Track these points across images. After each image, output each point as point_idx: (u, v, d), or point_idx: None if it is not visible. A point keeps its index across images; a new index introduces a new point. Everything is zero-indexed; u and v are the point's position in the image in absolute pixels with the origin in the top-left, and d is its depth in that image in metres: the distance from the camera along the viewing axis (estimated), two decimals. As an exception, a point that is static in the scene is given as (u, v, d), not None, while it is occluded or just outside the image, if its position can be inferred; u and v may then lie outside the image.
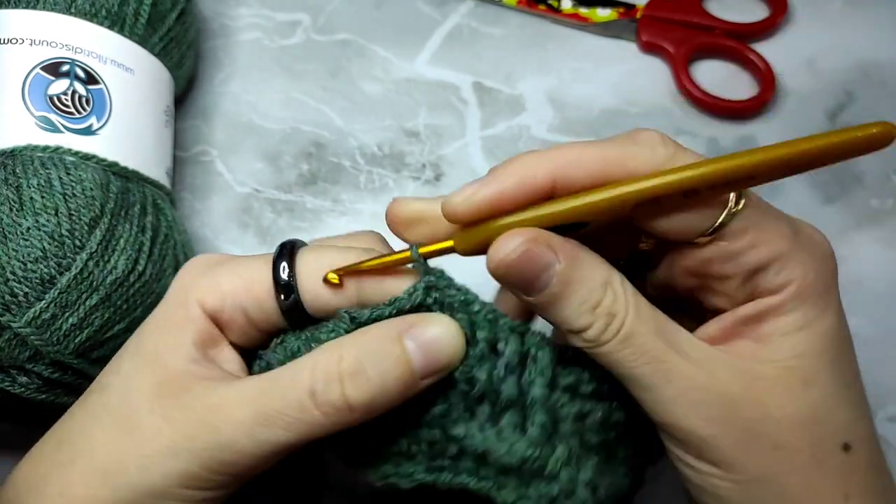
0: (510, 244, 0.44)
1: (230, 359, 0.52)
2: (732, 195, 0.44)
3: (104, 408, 0.49)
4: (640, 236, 0.52)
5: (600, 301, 0.45)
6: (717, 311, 0.49)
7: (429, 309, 0.48)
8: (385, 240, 0.53)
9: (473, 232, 0.46)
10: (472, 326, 0.48)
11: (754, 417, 0.45)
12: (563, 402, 0.49)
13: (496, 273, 0.45)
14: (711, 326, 0.49)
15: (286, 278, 0.49)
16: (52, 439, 0.50)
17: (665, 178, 0.42)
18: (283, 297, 0.49)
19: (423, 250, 0.48)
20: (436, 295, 0.48)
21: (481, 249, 0.46)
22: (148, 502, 0.46)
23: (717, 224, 0.45)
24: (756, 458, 0.45)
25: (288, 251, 0.50)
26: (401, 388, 0.46)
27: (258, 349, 0.53)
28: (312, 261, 0.50)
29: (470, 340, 0.47)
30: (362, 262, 0.48)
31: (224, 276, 0.50)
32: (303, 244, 0.52)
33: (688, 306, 0.51)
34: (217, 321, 0.50)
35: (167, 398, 0.47)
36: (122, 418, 0.47)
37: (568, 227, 0.45)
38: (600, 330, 0.45)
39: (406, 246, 0.49)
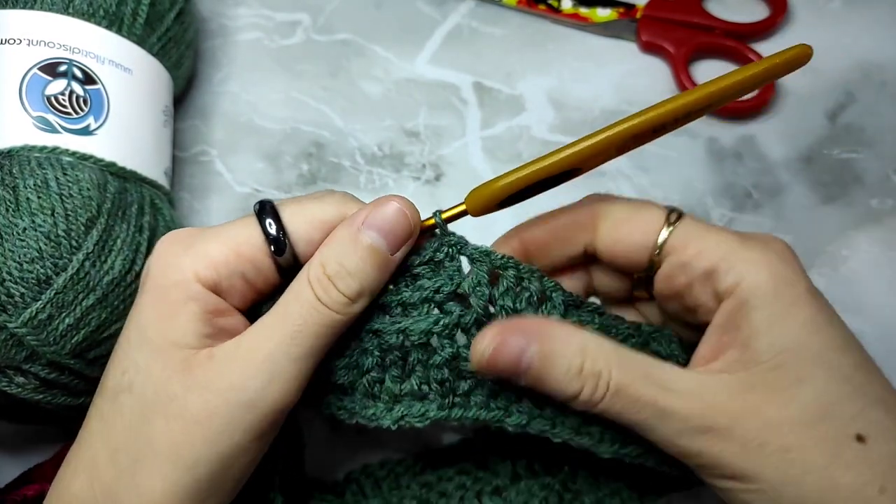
0: (482, 343, 0.50)
1: (239, 321, 0.54)
2: (666, 217, 0.53)
3: (142, 404, 0.50)
4: (630, 277, 0.60)
5: (581, 365, 0.49)
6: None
7: (441, 263, 0.55)
8: (355, 197, 0.56)
9: (479, 195, 0.53)
10: (495, 267, 0.54)
11: (755, 426, 0.47)
12: None
13: (483, 372, 0.52)
14: (701, 347, 0.53)
15: (275, 233, 0.52)
16: (100, 448, 0.50)
17: (635, 120, 0.49)
18: (276, 250, 0.52)
19: (444, 215, 0.55)
20: (448, 250, 0.55)
21: (488, 209, 0.53)
22: (224, 471, 0.50)
23: (661, 241, 0.53)
24: (768, 464, 0.47)
25: (269, 209, 0.53)
26: (379, 268, 0.52)
27: (259, 305, 0.56)
28: (298, 212, 0.53)
29: (483, 279, 0.54)
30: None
31: (211, 245, 0.52)
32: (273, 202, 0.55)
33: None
34: (217, 290, 0.52)
35: (198, 371, 0.49)
36: (166, 406, 0.49)
37: (564, 176, 0.52)
38: (591, 391, 0.49)
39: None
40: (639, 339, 0.57)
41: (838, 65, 0.87)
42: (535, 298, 0.54)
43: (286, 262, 0.53)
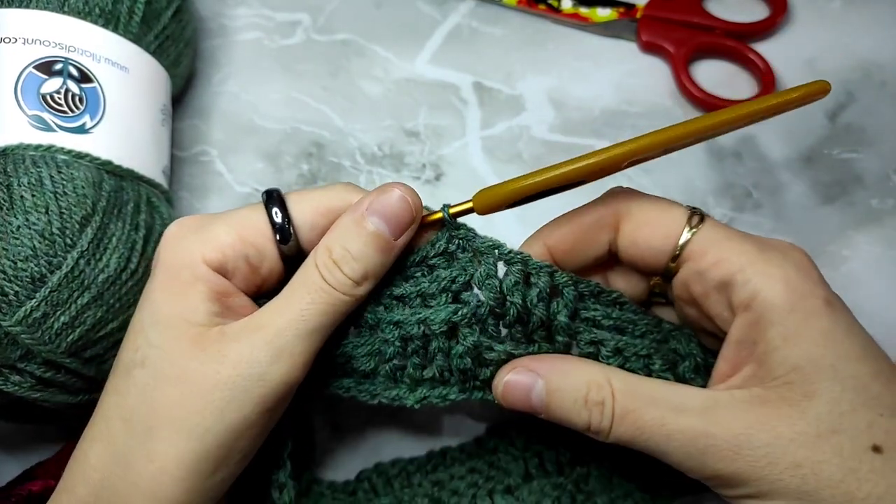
0: (496, 380, 0.55)
1: (246, 302, 0.56)
2: (689, 218, 0.54)
3: (155, 377, 0.52)
4: (648, 280, 0.60)
5: (587, 395, 0.51)
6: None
7: (454, 254, 0.57)
8: (358, 187, 0.58)
9: (487, 195, 0.54)
10: (504, 263, 0.56)
11: (766, 442, 0.47)
12: (581, 331, 0.56)
13: (505, 404, 0.55)
14: (720, 363, 0.53)
15: (281, 221, 0.55)
16: (115, 418, 0.53)
17: (646, 140, 0.50)
18: (281, 238, 0.56)
19: (451, 210, 0.56)
20: (458, 241, 0.57)
21: (494, 209, 0.55)
22: (232, 443, 0.52)
23: (680, 245, 0.54)
24: (780, 481, 0.47)
25: (276, 198, 0.56)
26: (382, 252, 0.55)
27: (257, 299, 0.58)
28: (303, 200, 0.57)
29: (491, 271, 0.56)
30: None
31: (220, 229, 0.55)
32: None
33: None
34: (223, 272, 0.55)
35: (210, 346, 0.52)
36: (178, 378, 0.51)
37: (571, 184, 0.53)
38: (598, 420, 0.51)
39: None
40: (658, 335, 0.58)
41: (838, 65, 0.87)
42: (546, 294, 0.55)
43: (290, 249, 0.56)
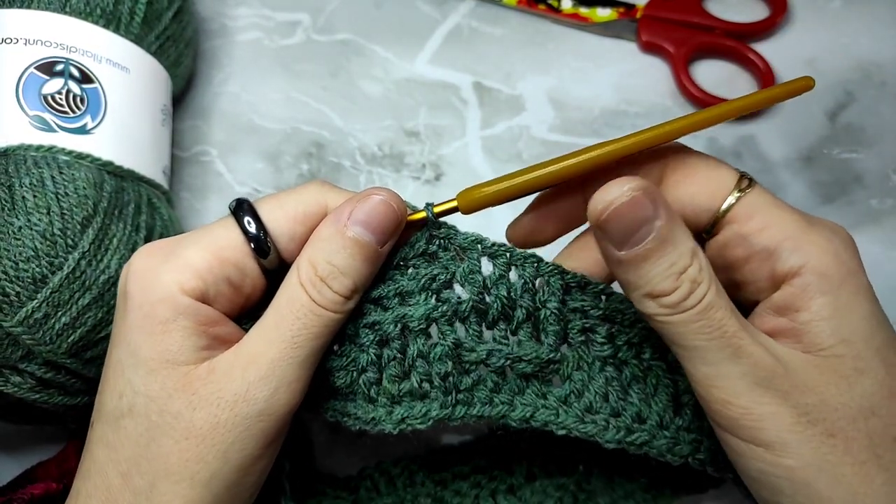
0: (620, 188, 0.44)
1: (232, 328, 0.53)
2: (738, 181, 0.51)
3: (148, 427, 0.49)
4: None
5: (687, 267, 0.45)
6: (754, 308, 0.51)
7: (435, 254, 0.55)
8: (333, 186, 0.55)
9: (472, 195, 0.53)
10: (488, 257, 0.54)
11: (812, 403, 0.45)
12: (571, 319, 0.55)
13: (600, 218, 0.45)
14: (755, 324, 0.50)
15: (255, 232, 0.51)
16: (112, 474, 0.49)
17: (632, 139, 0.50)
18: (258, 251, 0.51)
19: (435, 209, 0.54)
20: (439, 241, 0.55)
21: (476, 208, 0.53)
22: (240, 481, 0.50)
23: (725, 207, 0.51)
24: (811, 442, 0.45)
25: (246, 208, 0.52)
26: (369, 263, 0.52)
27: (243, 318, 0.55)
28: (276, 207, 0.53)
29: (476, 267, 0.54)
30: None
31: (191, 253, 0.51)
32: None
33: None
34: (205, 300, 0.51)
35: (201, 388, 0.49)
36: (172, 427, 0.49)
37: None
38: (683, 296, 0.45)
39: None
40: (645, 323, 0.55)
41: (838, 65, 0.87)
42: (531, 284, 0.54)
43: (271, 262, 0.53)
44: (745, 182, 0.51)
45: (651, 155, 0.54)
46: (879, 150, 0.83)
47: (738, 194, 0.51)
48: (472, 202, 0.53)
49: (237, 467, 0.49)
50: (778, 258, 0.49)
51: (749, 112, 0.52)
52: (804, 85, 0.51)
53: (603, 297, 0.55)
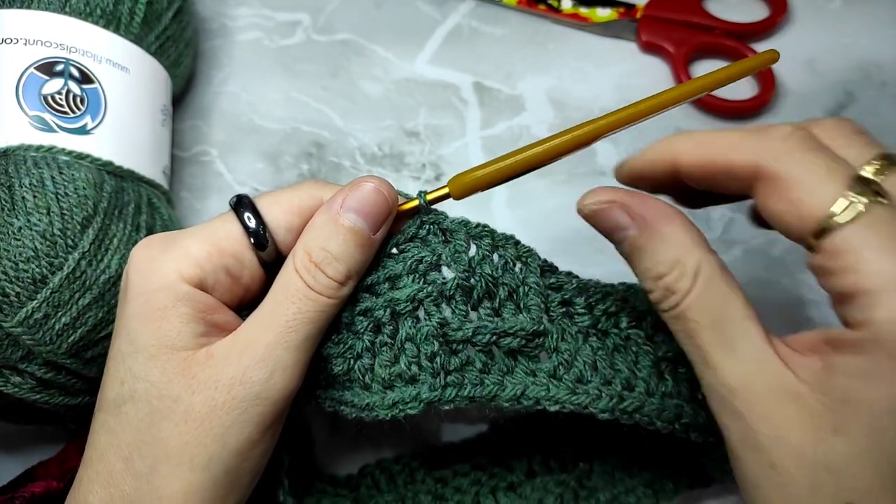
0: (595, 197, 0.50)
1: (230, 316, 0.54)
2: (842, 203, 0.42)
3: (149, 412, 0.50)
4: None
5: (663, 275, 0.47)
6: None
7: (424, 239, 0.56)
8: (329, 183, 0.57)
9: (462, 180, 0.54)
10: (472, 237, 0.56)
11: (764, 432, 0.44)
12: (549, 294, 0.56)
13: (581, 214, 0.51)
14: (808, 335, 0.47)
15: (255, 226, 0.53)
16: (113, 458, 0.50)
17: (612, 117, 0.52)
18: (256, 243, 0.53)
19: (428, 197, 0.56)
20: (429, 226, 0.56)
21: (468, 193, 0.54)
22: (239, 466, 0.51)
23: (817, 229, 0.43)
24: (752, 465, 0.45)
25: (246, 203, 0.54)
26: (362, 249, 0.53)
27: (243, 310, 0.56)
28: (274, 202, 0.55)
29: (461, 247, 0.55)
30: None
31: (190, 243, 0.53)
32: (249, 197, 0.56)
33: None
34: (203, 288, 0.53)
35: (199, 372, 0.50)
36: (172, 411, 0.49)
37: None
38: (658, 299, 0.48)
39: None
40: (616, 296, 0.57)
41: (838, 65, 0.87)
42: (512, 264, 0.55)
43: (269, 255, 0.54)
44: (853, 206, 0.43)
45: (740, 147, 0.47)
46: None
47: (833, 221, 0.43)
48: (463, 187, 0.54)
49: (235, 451, 0.50)
50: (850, 306, 0.43)
51: (721, 86, 0.52)
52: (770, 58, 0.53)
53: (573, 277, 0.57)
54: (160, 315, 0.51)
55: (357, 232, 0.53)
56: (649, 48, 0.89)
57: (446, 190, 0.55)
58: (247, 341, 0.51)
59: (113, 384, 0.51)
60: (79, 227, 0.60)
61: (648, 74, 0.88)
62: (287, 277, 0.52)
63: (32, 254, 0.58)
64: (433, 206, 0.56)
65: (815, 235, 0.43)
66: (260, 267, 0.55)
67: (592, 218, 0.50)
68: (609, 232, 0.50)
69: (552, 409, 0.54)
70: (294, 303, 0.51)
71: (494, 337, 0.54)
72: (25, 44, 0.64)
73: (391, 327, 0.55)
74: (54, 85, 0.64)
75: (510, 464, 0.68)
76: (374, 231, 0.54)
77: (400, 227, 0.57)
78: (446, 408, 0.55)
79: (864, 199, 0.42)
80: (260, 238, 0.53)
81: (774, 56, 0.53)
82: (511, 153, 0.53)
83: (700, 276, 0.46)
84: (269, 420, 0.51)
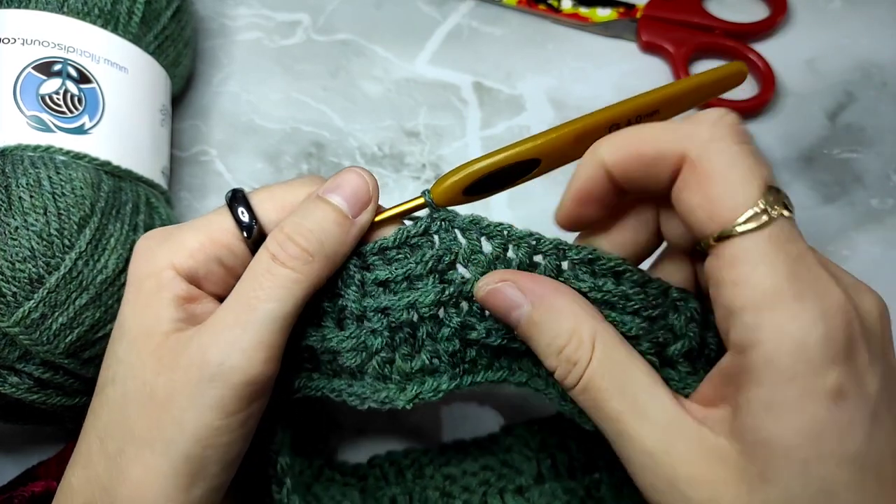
0: (486, 280, 0.51)
1: (214, 307, 0.54)
2: (749, 214, 0.41)
3: (123, 395, 0.50)
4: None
5: (563, 347, 0.48)
6: None
7: (439, 236, 0.55)
8: (323, 179, 0.57)
9: (442, 186, 0.53)
10: (485, 236, 0.54)
11: (696, 498, 0.43)
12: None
13: (477, 300, 0.52)
14: (705, 385, 0.47)
15: (248, 221, 0.54)
16: (93, 438, 0.51)
17: (592, 118, 0.52)
18: (248, 237, 0.54)
19: (408, 205, 0.55)
20: (440, 222, 0.55)
21: (451, 202, 0.54)
22: (201, 452, 0.49)
23: (721, 233, 0.42)
24: None
25: (241, 197, 0.55)
26: (339, 225, 0.53)
27: None
28: (268, 198, 0.55)
29: (476, 247, 0.54)
30: (394, 207, 0.56)
31: (187, 236, 0.54)
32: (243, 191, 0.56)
33: None
34: (194, 278, 0.53)
35: (169, 358, 0.50)
36: (141, 392, 0.50)
37: (525, 166, 0.53)
38: (563, 375, 0.48)
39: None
40: (654, 311, 0.52)
41: (838, 65, 0.87)
42: (527, 263, 0.54)
43: (257, 245, 0.54)
44: (760, 215, 0.41)
45: (672, 132, 0.45)
46: (879, 150, 0.83)
47: (736, 229, 0.42)
48: (443, 193, 0.53)
49: (193, 437, 0.49)
50: (735, 325, 0.42)
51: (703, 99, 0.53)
52: (739, 71, 0.54)
53: (612, 276, 0.52)
54: (145, 301, 0.52)
55: (335, 207, 0.53)
56: (649, 48, 0.89)
57: (428, 199, 0.54)
58: (210, 324, 0.50)
59: (104, 369, 0.53)
60: (76, 226, 0.60)
61: (648, 74, 0.88)
62: (255, 258, 0.52)
63: (29, 254, 0.58)
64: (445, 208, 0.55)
65: (715, 238, 0.42)
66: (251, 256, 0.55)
67: (487, 300, 0.51)
68: (505, 313, 0.50)
69: (548, 401, 0.55)
70: (255, 278, 0.51)
71: (505, 341, 0.55)
72: (23, 43, 0.64)
73: (411, 326, 0.55)
74: (52, 85, 0.64)
75: (519, 466, 0.68)
76: (353, 213, 0.53)
77: (392, 228, 0.56)
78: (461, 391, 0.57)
79: (773, 211, 0.41)
80: (251, 231, 0.54)
81: (743, 69, 0.54)
82: (487, 154, 0.52)
83: (598, 343, 0.47)
84: (231, 406, 0.49)
